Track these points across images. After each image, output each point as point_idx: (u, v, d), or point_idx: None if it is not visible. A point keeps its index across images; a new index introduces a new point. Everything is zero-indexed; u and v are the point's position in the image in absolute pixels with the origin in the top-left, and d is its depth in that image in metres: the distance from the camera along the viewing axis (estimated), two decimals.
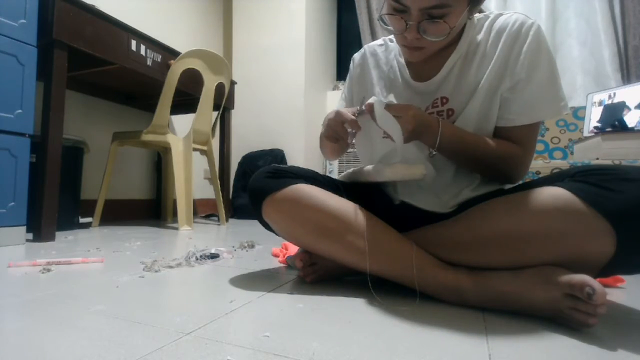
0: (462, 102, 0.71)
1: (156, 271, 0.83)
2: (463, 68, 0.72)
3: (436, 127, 0.66)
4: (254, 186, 0.73)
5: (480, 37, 0.71)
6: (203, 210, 2.75)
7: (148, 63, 1.72)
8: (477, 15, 0.73)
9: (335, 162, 2.84)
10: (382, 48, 0.86)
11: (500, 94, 0.69)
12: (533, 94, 0.66)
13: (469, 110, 0.70)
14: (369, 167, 0.72)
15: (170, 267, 0.88)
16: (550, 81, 0.66)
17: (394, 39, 0.83)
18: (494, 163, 0.69)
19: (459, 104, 0.71)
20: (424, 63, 0.74)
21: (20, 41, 1.20)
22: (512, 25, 0.68)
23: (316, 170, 0.80)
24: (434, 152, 0.68)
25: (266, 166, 0.76)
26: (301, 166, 0.82)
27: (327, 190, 0.71)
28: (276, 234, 0.76)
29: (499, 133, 0.71)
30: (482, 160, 0.69)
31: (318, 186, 0.71)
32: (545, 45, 0.67)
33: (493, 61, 0.69)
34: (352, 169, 0.82)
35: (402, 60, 0.79)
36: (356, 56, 0.91)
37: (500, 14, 0.71)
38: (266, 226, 0.76)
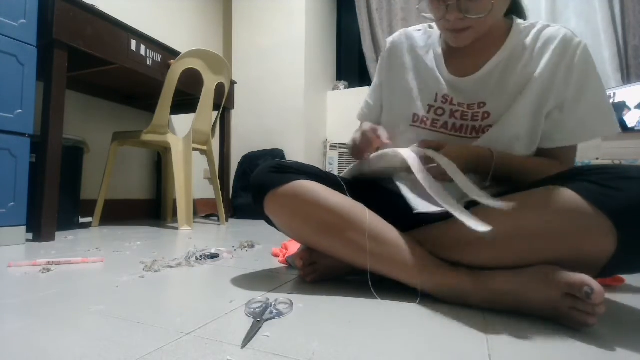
0: (500, 108, 0.70)
1: (156, 271, 0.83)
2: (505, 72, 0.71)
3: (490, 159, 0.67)
4: (256, 181, 0.72)
5: (526, 44, 0.71)
6: (203, 210, 2.75)
7: (148, 63, 1.72)
8: (524, 23, 0.73)
9: (335, 161, 2.84)
10: (421, 32, 0.83)
11: (545, 113, 0.69)
12: (582, 116, 0.67)
13: (509, 119, 0.69)
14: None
15: (170, 267, 0.88)
16: (600, 102, 0.67)
17: (434, 27, 0.82)
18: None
19: (496, 109, 0.71)
20: (464, 57, 0.73)
21: (20, 41, 1.20)
22: (560, 40, 0.68)
23: (318, 167, 0.80)
24: (488, 184, 0.69)
25: (269, 161, 0.76)
26: None
27: (330, 187, 0.71)
28: (278, 230, 0.76)
29: (544, 152, 0.72)
30: (522, 182, 0.69)
31: (321, 183, 0.71)
32: (593, 65, 0.67)
33: (538, 72, 0.68)
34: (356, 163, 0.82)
35: (439, 50, 0.78)
36: (389, 39, 0.87)
37: (548, 25, 0.71)
38: (268, 221, 0.76)
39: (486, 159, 0.67)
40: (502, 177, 0.69)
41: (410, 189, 0.68)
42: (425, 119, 0.77)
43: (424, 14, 0.68)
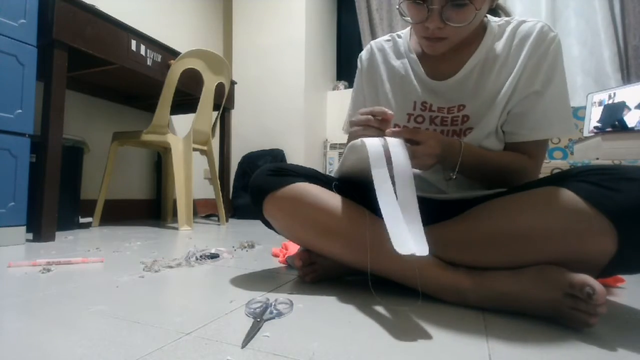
0: (479, 110, 0.71)
1: (156, 271, 0.83)
2: (483, 73, 0.71)
3: (458, 149, 0.66)
4: (255, 184, 0.72)
5: (502, 42, 0.70)
6: (203, 210, 2.75)
7: (148, 63, 1.72)
8: (498, 21, 0.72)
9: (335, 161, 2.84)
10: (390, 43, 0.83)
11: (509, 110, 0.69)
12: (546, 110, 0.67)
13: (488, 120, 0.70)
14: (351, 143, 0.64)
15: (170, 267, 0.88)
16: (563, 98, 0.67)
17: (402, 35, 0.82)
18: (506, 178, 0.70)
19: (475, 112, 0.71)
20: (440, 61, 0.73)
21: (20, 41, 1.20)
22: (537, 33, 0.67)
23: (317, 170, 0.80)
24: (454, 176, 0.68)
25: (268, 164, 0.76)
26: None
27: (329, 189, 0.71)
28: (277, 232, 0.76)
29: (511, 146, 0.72)
30: (495, 177, 0.70)
31: (319, 185, 0.71)
32: (561, 61, 0.67)
33: (515, 70, 0.68)
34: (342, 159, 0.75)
35: (414, 56, 0.77)
36: (363, 54, 0.87)
37: (524, 21, 0.70)
38: (267, 224, 0.76)
39: (455, 147, 0.66)
40: (470, 169, 0.68)
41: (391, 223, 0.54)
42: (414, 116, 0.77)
43: (402, 17, 0.65)
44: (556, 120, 0.67)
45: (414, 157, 0.58)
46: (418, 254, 0.48)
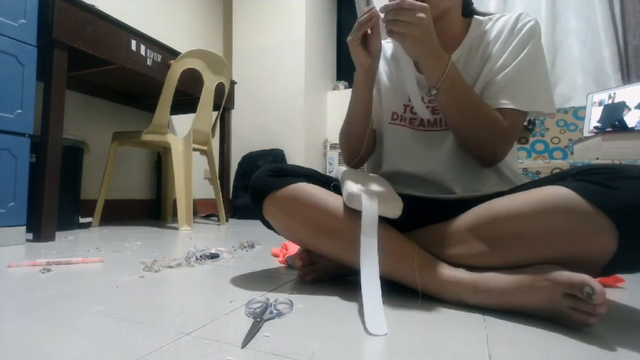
0: None
1: (156, 271, 0.83)
2: (466, 64, 0.74)
3: (445, 59, 0.64)
4: (255, 184, 0.73)
5: (484, 35, 0.74)
6: (203, 210, 2.75)
7: (148, 63, 1.72)
8: (482, 18, 0.76)
9: (335, 161, 2.84)
10: (390, 44, 0.88)
11: (486, 80, 0.71)
12: (511, 79, 0.68)
13: None
14: (350, 184, 0.66)
15: (170, 267, 0.88)
16: (531, 72, 0.68)
17: None
18: (483, 124, 0.67)
19: None
20: None
21: (20, 41, 1.20)
22: (514, 18, 0.71)
23: (317, 170, 0.80)
24: (435, 91, 0.66)
25: (267, 164, 0.76)
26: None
27: (328, 189, 0.71)
28: (277, 233, 0.76)
29: None
30: (470, 115, 0.67)
31: (319, 185, 0.71)
32: (535, 42, 0.69)
33: (491, 55, 0.72)
34: (341, 170, 0.78)
35: (407, 55, 0.79)
36: None
37: (504, 15, 0.74)
38: (267, 224, 0.76)
39: (442, 55, 0.64)
40: (451, 91, 0.65)
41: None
42: (404, 117, 0.80)
43: None
44: (520, 92, 0.67)
45: (398, 23, 0.59)
46: (375, 333, 0.48)
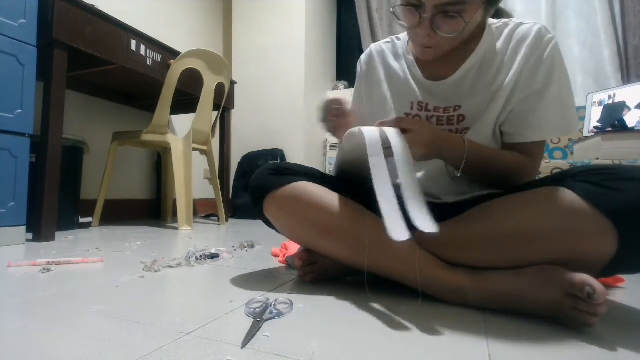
0: (475, 111, 0.71)
1: (156, 271, 0.83)
2: (480, 75, 0.71)
3: (462, 145, 0.65)
4: (255, 183, 0.73)
5: (499, 45, 0.70)
6: (203, 210, 2.75)
7: (148, 63, 1.72)
8: (496, 23, 0.72)
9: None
10: (389, 45, 0.84)
11: (510, 110, 0.69)
12: (548, 109, 0.67)
13: (485, 120, 0.70)
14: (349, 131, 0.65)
15: (170, 267, 0.88)
16: (564, 97, 0.67)
17: (401, 37, 0.83)
18: (507, 178, 0.70)
19: (471, 112, 0.71)
20: (438, 62, 0.72)
21: (20, 41, 1.20)
22: (534, 36, 0.67)
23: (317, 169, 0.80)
24: (458, 174, 0.67)
25: (268, 163, 0.76)
26: None
27: (329, 188, 0.71)
28: (277, 231, 0.76)
29: (510, 147, 0.72)
30: (496, 177, 0.69)
31: (320, 184, 0.71)
32: (560, 62, 0.67)
33: (512, 72, 0.68)
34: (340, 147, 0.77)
35: (411, 57, 0.78)
36: (362, 58, 0.89)
37: (521, 23, 0.70)
38: (268, 223, 0.76)
39: (456, 142, 0.65)
40: (473, 167, 0.67)
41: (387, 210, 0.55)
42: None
43: (397, 20, 0.67)
44: (557, 121, 0.67)
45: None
46: (427, 230, 0.49)
